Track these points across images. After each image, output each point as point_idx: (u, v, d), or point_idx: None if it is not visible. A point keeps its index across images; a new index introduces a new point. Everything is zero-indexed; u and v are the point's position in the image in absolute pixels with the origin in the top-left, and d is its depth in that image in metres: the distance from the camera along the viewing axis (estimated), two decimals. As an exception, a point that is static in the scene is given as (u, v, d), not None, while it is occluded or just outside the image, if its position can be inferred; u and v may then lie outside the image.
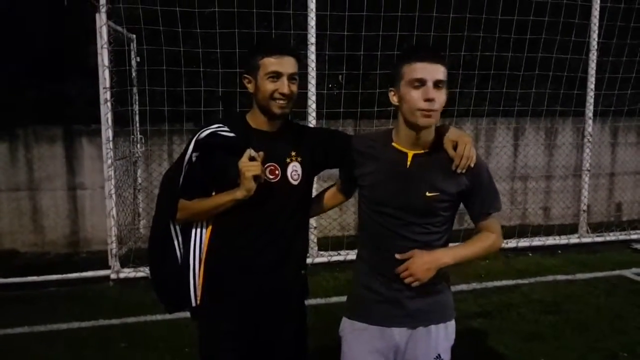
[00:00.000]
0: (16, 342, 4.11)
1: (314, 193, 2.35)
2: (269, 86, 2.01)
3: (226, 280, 2.12)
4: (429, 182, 1.92)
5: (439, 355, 1.97)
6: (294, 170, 2.10)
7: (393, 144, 2.00)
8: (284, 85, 2.01)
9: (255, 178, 1.94)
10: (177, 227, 2.16)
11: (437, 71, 1.83)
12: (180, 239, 2.17)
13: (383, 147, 2.02)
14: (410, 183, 1.93)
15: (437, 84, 1.83)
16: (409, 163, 1.95)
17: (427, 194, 1.90)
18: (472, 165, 1.91)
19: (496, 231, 2.02)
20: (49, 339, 4.16)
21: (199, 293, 2.16)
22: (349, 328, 2.09)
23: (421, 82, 1.83)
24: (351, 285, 2.16)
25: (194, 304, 2.16)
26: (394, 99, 1.95)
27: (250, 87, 2.09)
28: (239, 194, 1.97)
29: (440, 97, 1.85)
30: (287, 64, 2.02)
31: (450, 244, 2.06)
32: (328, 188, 2.37)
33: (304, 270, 2.25)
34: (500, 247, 2.07)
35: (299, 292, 2.24)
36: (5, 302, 4.94)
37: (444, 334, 1.99)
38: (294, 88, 2.06)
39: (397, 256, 1.91)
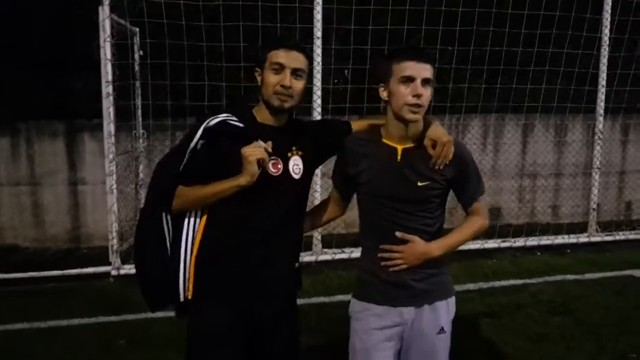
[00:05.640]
0: (15, 338, 4.07)
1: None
2: (271, 78, 2.04)
3: (221, 272, 2.08)
4: (420, 173, 2.08)
5: (442, 327, 2.16)
6: (296, 164, 2.14)
7: (383, 140, 2.14)
8: (286, 78, 2.03)
9: (259, 163, 1.93)
10: (169, 217, 2.10)
11: (425, 70, 2.00)
12: (170, 229, 2.11)
13: (374, 144, 2.16)
14: (403, 176, 2.08)
15: (424, 82, 1.99)
16: (399, 157, 2.11)
17: (419, 183, 2.07)
18: (447, 162, 2.07)
19: (482, 213, 2.22)
20: (49, 335, 4.11)
21: (189, 286, 2.11)
22: (357, 307, 2.21)
23: (410, 79, 1.99)
24: (358, 273, 2.29)
25: (182, 299, 2.11)
26: (383, 94, 2.10)
27: (259, 80, 2.12)
28: (242, 179, 1.96)
29: (426, 94, 2.00)
30: (293, 58, 2.05)
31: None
32: (323, 202, 2.48)
33: (298, 263, 2.28)
34: (486, 227, 2.25)
35: (293, 285, 2.27)
36: (5, 297, 4.90)
37: (446, 309, 2.18)
38: (298, 84, 2.07)
39: (398, 234, 2.08)
